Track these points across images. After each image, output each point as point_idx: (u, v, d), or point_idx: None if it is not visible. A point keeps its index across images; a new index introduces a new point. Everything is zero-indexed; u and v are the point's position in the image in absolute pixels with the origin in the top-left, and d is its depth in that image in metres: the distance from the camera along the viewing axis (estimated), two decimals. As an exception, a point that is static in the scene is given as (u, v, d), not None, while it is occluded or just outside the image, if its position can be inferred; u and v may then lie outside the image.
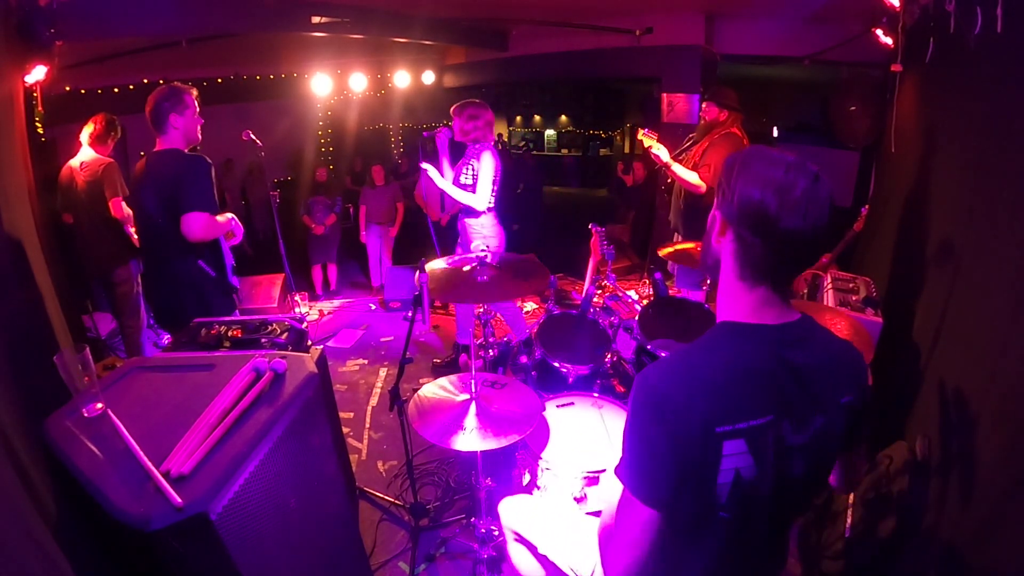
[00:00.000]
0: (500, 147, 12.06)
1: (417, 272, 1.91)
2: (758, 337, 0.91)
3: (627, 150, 14.39)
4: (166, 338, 3.13)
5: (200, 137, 2.38)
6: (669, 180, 3.36)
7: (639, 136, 3.23)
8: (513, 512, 1.61)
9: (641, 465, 0.90)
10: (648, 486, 0.89)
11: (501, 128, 16.56)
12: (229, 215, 2.40)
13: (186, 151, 2.34)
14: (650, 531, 0.90)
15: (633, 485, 0.90)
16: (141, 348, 3.48)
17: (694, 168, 3.14)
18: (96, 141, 3.30)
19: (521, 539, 1.56)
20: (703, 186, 3.08)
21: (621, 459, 0.93)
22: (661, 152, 3.17)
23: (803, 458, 0.93)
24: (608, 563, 0.97)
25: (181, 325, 2.13)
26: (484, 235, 3.22)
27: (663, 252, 2.56)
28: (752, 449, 0.87)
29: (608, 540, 0.99)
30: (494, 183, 3.15)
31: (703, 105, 3.23)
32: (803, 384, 0.90)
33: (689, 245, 2.59)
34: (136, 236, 3.11)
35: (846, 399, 0.95)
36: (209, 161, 2.28)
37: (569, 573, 1.37)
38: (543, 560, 1.49)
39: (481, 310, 2.40)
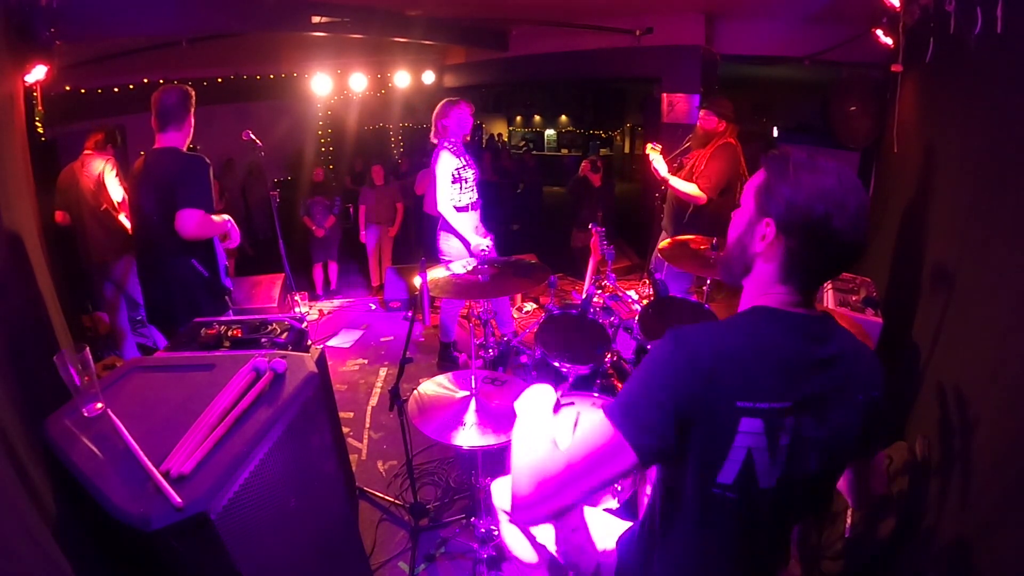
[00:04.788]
0: (500, 147, 12.11)
1: (417, 272, 1.91)
2: (788, 323, 0.93)
3: (627, 150, 14.40)
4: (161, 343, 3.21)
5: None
6: (664, 187, 3.39)
7: (647, 149, 3.29)
8: (506, 493, 1.59)
9: (640, 410, 0.89)
10: (637, 429, 0.87)
11: (501, 128, 16.57)
12: (225, 217, 2.41)
13: (184, 150, 2.36)
14: (614, 471, 0.88)
15: (623, 423, 0.88)
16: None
17: (694, 180, 3.18)
18: (96, 147, 3.46)
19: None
20: (703, 197, 3.14)
21: (617, 398, 0.92)
22: (660, 167, 3.22)
23: (817, 454, 0.94)
24: (538, 494, 0.92)
25: (173, 324, 2.13)
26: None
27: (662, 244, 2.58)
28: (768, 431, 0.87)
29: (546, 468, 0.93)
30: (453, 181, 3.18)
31: (700, 112, 3.30)
32: (825, 377, 0.91)
33: (688, 236, 2.60)
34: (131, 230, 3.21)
35: (862, 397, 0.96)
36: (208, 161, 2.29)
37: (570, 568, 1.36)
38: (540, 549, 1.48)
39: (481, 310, 2.40)
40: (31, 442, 1.20)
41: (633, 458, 0.87)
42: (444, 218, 3.21)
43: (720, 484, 0.90)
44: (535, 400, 1.17)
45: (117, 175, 3.41)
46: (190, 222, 2.19)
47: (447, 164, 3.15)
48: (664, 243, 2.62)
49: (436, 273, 2.00)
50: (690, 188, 3.15)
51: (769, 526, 1.00)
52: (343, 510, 1.64)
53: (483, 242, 3.22)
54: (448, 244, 3.30)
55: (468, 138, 3.28)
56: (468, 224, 3.22)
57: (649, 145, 3.29)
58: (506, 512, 1.57)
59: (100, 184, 3.35)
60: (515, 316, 4.63)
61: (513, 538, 1.58)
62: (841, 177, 0.88)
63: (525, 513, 0.94)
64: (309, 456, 1.39)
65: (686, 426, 0.87)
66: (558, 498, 0.91)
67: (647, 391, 0.89)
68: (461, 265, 2.06)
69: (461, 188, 3.19)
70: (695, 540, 0.99)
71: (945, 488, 1.67)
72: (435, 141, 3.25)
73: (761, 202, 0.94)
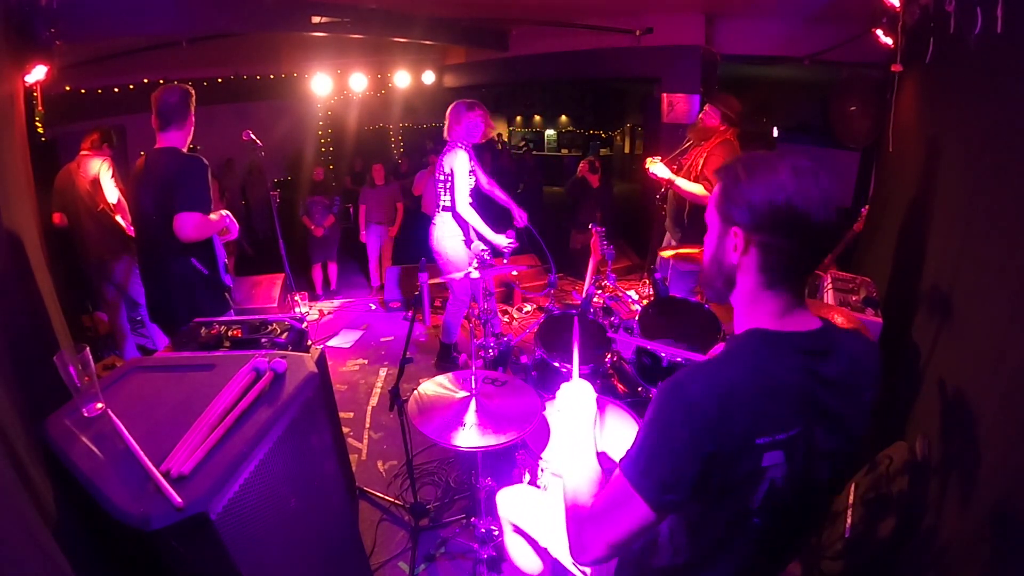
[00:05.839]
0: (500, 147, 12.17)
1: (417, 272, 1.91)
2: (788, 346, 0.91)
3: (627, 150, 14.38)
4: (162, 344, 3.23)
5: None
6: (664, 189, 3.37)
7: (647, 164, 3.25)
8: (512, 503, 1.60)
9: (652, 470, 0.87)
10: (656, 489, 0.87)
11: (501, 128, 16.55)
12: (223, 212, 2.42)
13: (185, 150, 2.36)
14: (638, 528, 0.89)
15: (640, 483, 0.88)
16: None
17: (695, 180, 3.15)
18: (92, 147, 3.47)
19: (520, 531, 1.55)
20: (709, 197, 3.08)
21: (631, 454, 0.91)
22: (664, 173, 3.18)
23: (830, 461, 0.94)
24: (583, 545, 0.96)
25: (174, 323, 2.13)
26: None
27: (666, 254, 2.57)
28: (788, 457, 0.87)
29: (583, 523, 0.97)
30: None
31: (704, 107, 3.25)
32: (832, 394, 0.91)
33: (694, 250, 2.57)
34: (131, 229, 3.23)
35: (867, 396, 0.96)
36: (206, 163, 2.30)
37: (573, 571, 1.37)
38: (543, 554, 1.48)
39: (480, 310, 2.40)
40: (31, 442, 1.20)
41: (650, 514, 0.87)
42: (447, 218, 3.18)
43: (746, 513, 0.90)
44: (576, 419, 1.14)
45: (113, 175, 3.41)
46: (188, 225, 2.20)
47: (465, 163, 3.12)
48: (668, 253, 2.60)
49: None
50: (696, 188, 3.13)
51: (787, 536, 1.01)
52: (343, 510, 1.65)
53: (503, 240, 3.18)
54: (444, 245, 3.27)
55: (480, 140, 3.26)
56: (480, 222, 3.20)
57: (649, 159, 3.26)
58: (512, 523, 1.58)
59: (96, 184, 3.35)
60: (515, 316, 4.63)
61: (517, 549, 1.58)
62: (794, 166, 0.87)
63: (580, 557, 0.97)
64: (309, 456, 1.39)
65: (704, 475, 0.85)
66: (596, 546, 0.93)
67: (657, 451, 0.88)
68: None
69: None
70: (721, 557, 0.98)
71: (945, 488, 1.67)
72: (447, 139, 3.21)
73: (723, 212, 0.93)
